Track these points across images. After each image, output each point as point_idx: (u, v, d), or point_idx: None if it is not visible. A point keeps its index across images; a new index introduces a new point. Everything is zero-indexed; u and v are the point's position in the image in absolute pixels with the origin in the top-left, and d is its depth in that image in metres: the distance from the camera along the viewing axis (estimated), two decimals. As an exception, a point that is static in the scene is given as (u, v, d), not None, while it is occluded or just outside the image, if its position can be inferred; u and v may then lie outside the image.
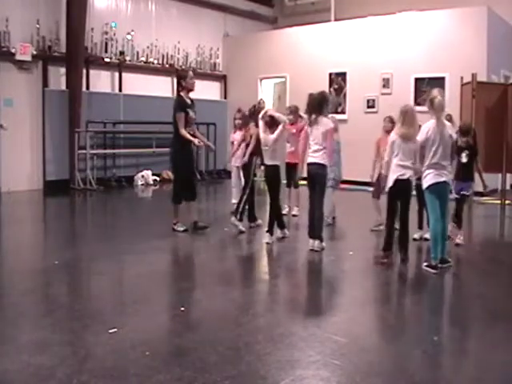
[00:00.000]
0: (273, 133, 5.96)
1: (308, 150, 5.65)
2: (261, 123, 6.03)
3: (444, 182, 4.90)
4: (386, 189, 5.23)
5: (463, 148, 5.85)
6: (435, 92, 4.97)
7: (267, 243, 5.89)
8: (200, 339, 3.39)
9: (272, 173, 6.05)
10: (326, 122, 5.63)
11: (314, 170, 5.58)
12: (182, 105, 6.29)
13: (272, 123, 5.98)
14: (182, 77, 6.41)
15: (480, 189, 6.30)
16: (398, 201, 5.18)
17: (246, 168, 6.63)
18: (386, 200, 5.28)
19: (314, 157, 5.57)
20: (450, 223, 5.88)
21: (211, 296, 4.47)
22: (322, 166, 5.57)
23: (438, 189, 4.91)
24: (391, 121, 6.69)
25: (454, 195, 5.94)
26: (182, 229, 6.43)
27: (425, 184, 4.97)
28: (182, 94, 6.37)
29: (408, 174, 5.08)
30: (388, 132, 6.63)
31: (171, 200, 6.55)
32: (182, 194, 6.48)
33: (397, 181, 5.05)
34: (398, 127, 5.12)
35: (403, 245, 5.22)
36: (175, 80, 6.24)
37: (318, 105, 5.62)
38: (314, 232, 5.63)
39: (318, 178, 5.59)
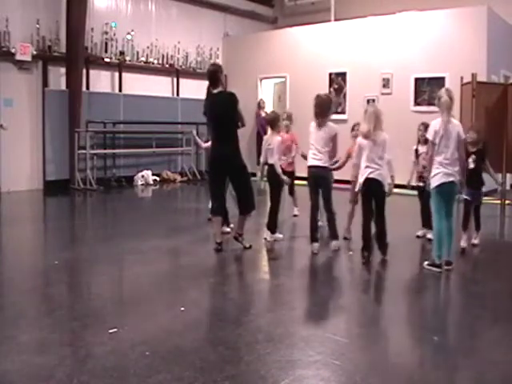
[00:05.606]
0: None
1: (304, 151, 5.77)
2: None
3: (451, 182, 4.90)
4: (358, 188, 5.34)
5: (471, 153, 5.75)
6: (442, 91, 5.00)
7: (264, 239, 5.98)
8: (200, 339, 3.39)
9: (272, 172, 6.11)
10: (332, 127, 5.58)
11: (316, 173, 5.57)
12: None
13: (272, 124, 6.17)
14: None
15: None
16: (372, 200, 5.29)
17: None
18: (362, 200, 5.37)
19: (317, 159, 5.54)
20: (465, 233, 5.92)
21: (211, 296, 4.48)
22: (325, 168, 5.56)
23: (446, 189, 4.92)
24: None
25: (463, 196, 5.85)
26: (248, 245, 5.78)
27: (432, 184, 4.97)
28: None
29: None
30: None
31: (248, 209, 5.72)
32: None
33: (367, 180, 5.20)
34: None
35: (381, 244, 5.33)
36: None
37: (328, 108, 5.61)
38: (331, 233, 5.74)
39: (322, 180, 5.59)
